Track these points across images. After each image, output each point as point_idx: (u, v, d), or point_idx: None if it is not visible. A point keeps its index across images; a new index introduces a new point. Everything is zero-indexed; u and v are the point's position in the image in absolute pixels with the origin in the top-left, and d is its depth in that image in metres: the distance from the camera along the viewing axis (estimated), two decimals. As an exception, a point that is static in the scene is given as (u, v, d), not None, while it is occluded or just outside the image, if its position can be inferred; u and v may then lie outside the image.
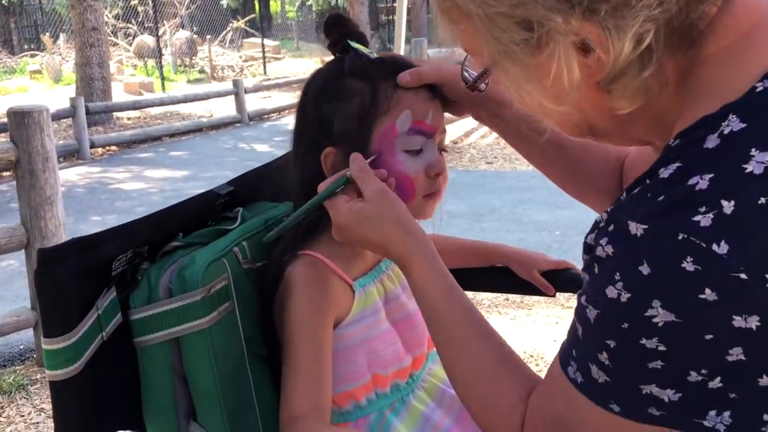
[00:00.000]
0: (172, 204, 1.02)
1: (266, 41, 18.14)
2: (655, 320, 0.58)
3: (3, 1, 21.19)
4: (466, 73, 0.87)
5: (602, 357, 0.62)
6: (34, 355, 3.35)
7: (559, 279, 1.26)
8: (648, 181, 0.63)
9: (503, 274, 1.29)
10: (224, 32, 18.58)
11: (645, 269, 0.58)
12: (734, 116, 0.59)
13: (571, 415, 0.68)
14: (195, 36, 18.04)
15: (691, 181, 0.58)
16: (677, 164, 0.60)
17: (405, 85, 0.96)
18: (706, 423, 0.60)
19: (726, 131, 0.59)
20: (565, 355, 0.69)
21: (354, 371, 1.02)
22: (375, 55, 0.98)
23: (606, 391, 0.64)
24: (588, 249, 0.66)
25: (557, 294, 1.27)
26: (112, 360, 0.91)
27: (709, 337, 0.57)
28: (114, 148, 8.87)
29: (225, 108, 11.33)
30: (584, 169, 1.04)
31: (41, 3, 20.90)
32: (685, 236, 0.56)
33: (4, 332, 3.22)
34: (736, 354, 0.57)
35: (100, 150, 8.65)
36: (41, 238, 3.19)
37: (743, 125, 0.59)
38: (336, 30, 1.00)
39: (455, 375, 0.84)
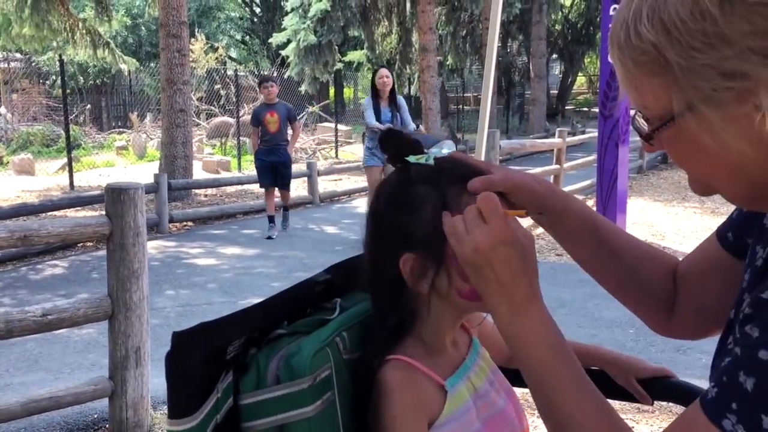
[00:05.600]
0: (278, 293, 1.06)
1: (339, 126, 18.73)
2: None
3: (97, 81, 22.70)
4: (638, 125, 0.84)
5: None
6: (107, 425, 3.41)
7: (657, 387, 1.23)
8: None
9: (598, 379, 1.27)
10: (300, 116, 19.32)
11: None
12: None
13: None
14: (272, 119, 18.78)
15: None
16: None
17: (475, 191, 0.96)
18: None
19: None
20: (718, 408, 0.69)
21: (449, 471, 1.02)
22: (433, 161, 1.01)
23: None
24: (762, 305, 0.70)
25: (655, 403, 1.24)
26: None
27: None
28: (190, 223, 9.19)
29: (298, 189, 11.65)
30: (639, 278, 1.05)
31: (130, 84, 22.28)
32: None
33: (81, 400, 3.30)
34: None
35: (178, 224, 8.97)
36: (126, 309, 3.30)
37: None
38: (392, 144, 1.03)
39: (559, 421, 0.84)
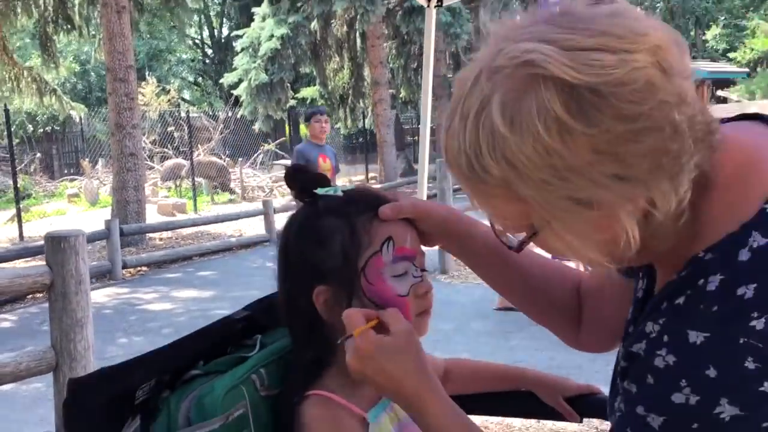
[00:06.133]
0: (192, 332, 1.05)
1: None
2: (722, 416, 0.64)
3: (47, 129, 22.36)
4: (504, 237, 0.83)
5: None
6: (55, 483, 3.28)
7: (585, 404, 1.24)
8: (690, 293, 0.69)
9: (528, 400, 1.28)
10: (255, 155, 19.27)
11: (712, 372, 0.64)
12: (756, 233, 0.68)
13: None
14: (227, 159, 18.73)
15: (739, 292, 0.66)
16: (720, 277, 0.68)
17: (385, 218, 0.99)
18: None
19: (754, 245, 0.68)
20: None
21: (372, 503, 1.00)
22: (341, 193, 1.02)
23: None
24: (633, 358, 0.72)
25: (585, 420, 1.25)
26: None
27: (766, 424, 0.64)
28: (145, 268, 9.03)
29: (255, 227, 11.56)
30: (546, 295, 1.09)
31: (82, 130, 21.99)
32: (745, 340, 0.64)
33: (27, 458, 3.18)
34: None
35: (132, 270, 8.81)
36: (70, 360, 3.21)
37: (766, 240, 0.68)
38: (298, 179, 1.04)
39: None
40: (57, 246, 3.23)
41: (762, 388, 0.63)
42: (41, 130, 22.31)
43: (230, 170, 17.46)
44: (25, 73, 12.21)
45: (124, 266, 8.55)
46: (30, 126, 21.72)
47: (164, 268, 9.11)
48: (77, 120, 20.65)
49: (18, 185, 12.24)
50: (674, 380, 0.66)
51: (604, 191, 0.65)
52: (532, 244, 0.77)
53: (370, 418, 1.03)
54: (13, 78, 12.00)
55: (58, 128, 22.61)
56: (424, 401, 0.88)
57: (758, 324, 0.64)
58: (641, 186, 0.66)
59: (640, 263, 0.85)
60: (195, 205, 14.77)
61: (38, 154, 20.69)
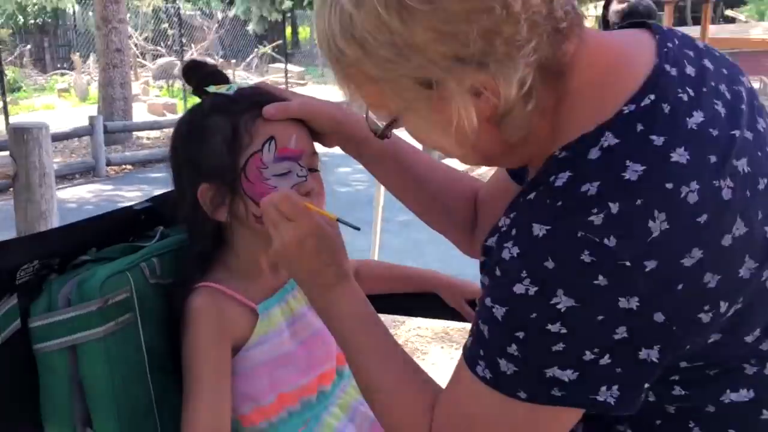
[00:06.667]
0: (84, 219, 1.06)
1: (292, 67, 18.39)
2: (558, 306, 0.66)
3: (38, 21, 21.79)
4: (371, 123, 0.89)
5: (511, 349, 0.70)
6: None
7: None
8: (542, 188, 0.71)
9: (432, 301, 1.31)
10: (250, 57, 18.89)
11: (549, 264, 0.66)
12: (609, 133, 0.69)
13: (480, 411, 0.74)
14: (221, 60, 18.37)
15: (583, 188, 0.68)
16: (568, 173, 0.70)
17: (269, 118, 0.98)
18: (599, 398, 0.69)
19: (605, 145, 0.69)
20: (472, 357, 0.74)
21: (258, 391, 1.06)
22: (233, 91, 1.01)
23: (514, 381, 0.70)
24: (488, 251, 0.75)
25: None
26: (10, 364, 0.94)
27: (600, 318, 0.66)
28: (129, 166, 9.02)
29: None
30: (442, 202, 1.10)
31: (75, 23, 21.43)
32: (583, 233, 0.66)
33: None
34: (621, 332, 0.66)
35: (116, 168, 8.80)
36: (32, 251, 3.26)
37: (617, 140, 0.69)
38: (194, 75, 1.04)
39: (367, 386, 0.88)
40: (20, 138, 3.21)
41: (596, 281, 0.65)
42: (32, 21, 21.73)
43: (223, 72, 17.16)
44: (10, -41, 11.78)
45: (108, 164, 8.54)
46: (21, 17, 21.15)
47: (149, 168, 9.09)
48: (70, 12, 20.08)
49: (7, 77, 12.03)
50: (516, 271, 0.68)
51: (441, 71, 0.68)
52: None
53: (260, 310, 1.06)
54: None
55: (50, 20, 22.02)
56: (337, 290, 0.89)
57: (596, 219, 0.65)
58: (476, 66, 0.68)
59: (513, 165, 0.88)
60: (185, 105, 14.58)
61: (28, 46, 20.25)
